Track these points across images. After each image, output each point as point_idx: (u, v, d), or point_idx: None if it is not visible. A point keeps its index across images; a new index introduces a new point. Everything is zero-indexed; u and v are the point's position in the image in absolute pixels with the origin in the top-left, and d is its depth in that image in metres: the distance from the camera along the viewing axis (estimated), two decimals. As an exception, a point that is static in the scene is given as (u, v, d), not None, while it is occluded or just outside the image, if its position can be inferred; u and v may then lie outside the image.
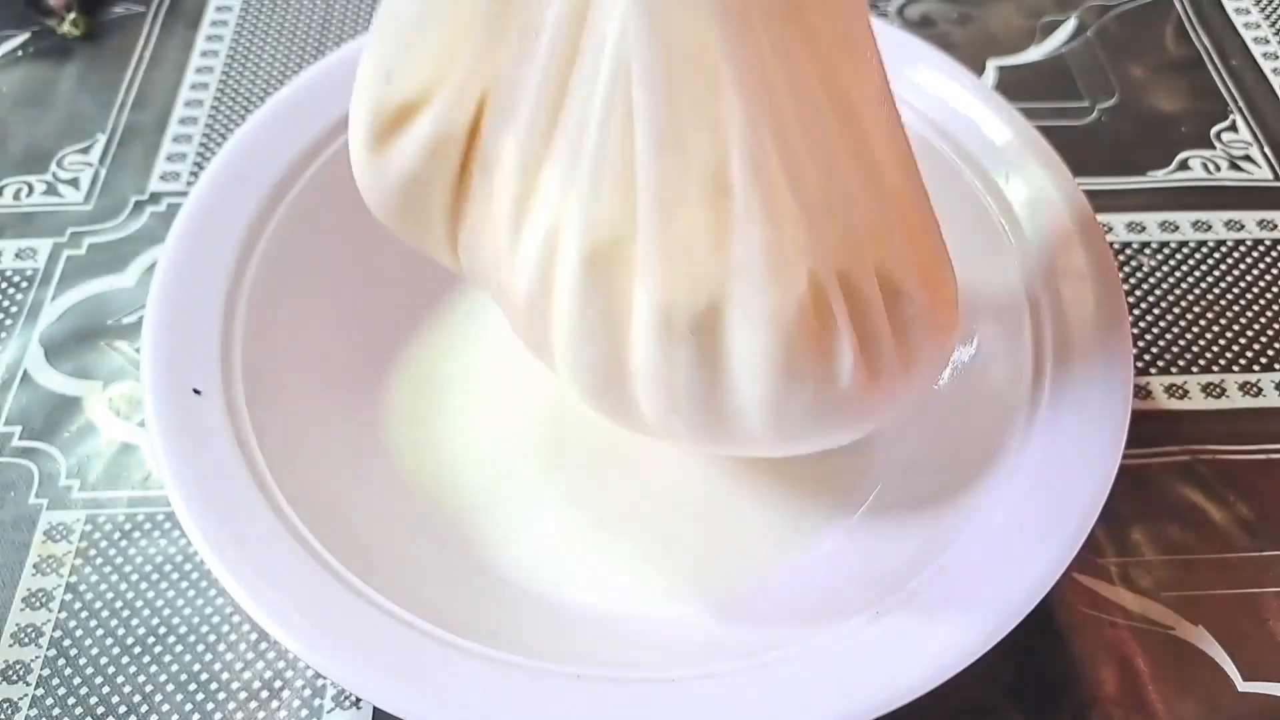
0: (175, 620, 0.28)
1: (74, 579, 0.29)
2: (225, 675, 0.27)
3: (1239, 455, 0.31)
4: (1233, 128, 0.40)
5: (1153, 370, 0.33)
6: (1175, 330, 0.34)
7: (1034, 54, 0.43)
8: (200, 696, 0.27)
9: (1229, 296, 0.35)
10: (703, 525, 0.28)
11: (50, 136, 0.39)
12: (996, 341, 0.28)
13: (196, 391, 0.25)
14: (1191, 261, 0.36)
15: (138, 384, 0.32)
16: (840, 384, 0.21)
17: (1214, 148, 0.39)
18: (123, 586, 0.28)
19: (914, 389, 0.23)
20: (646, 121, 0.19)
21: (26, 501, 0.30)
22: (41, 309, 0.34)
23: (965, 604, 0.22)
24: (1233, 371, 0.33)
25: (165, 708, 0.27)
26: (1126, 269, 0.36)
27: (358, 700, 0.27)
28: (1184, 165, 0.39)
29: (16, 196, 0.37)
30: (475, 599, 0.26)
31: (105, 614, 0.28)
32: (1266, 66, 0.42)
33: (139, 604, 0.28)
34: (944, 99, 0.31)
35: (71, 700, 0.27)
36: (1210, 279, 0.35)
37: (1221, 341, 0.34)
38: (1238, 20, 0.44)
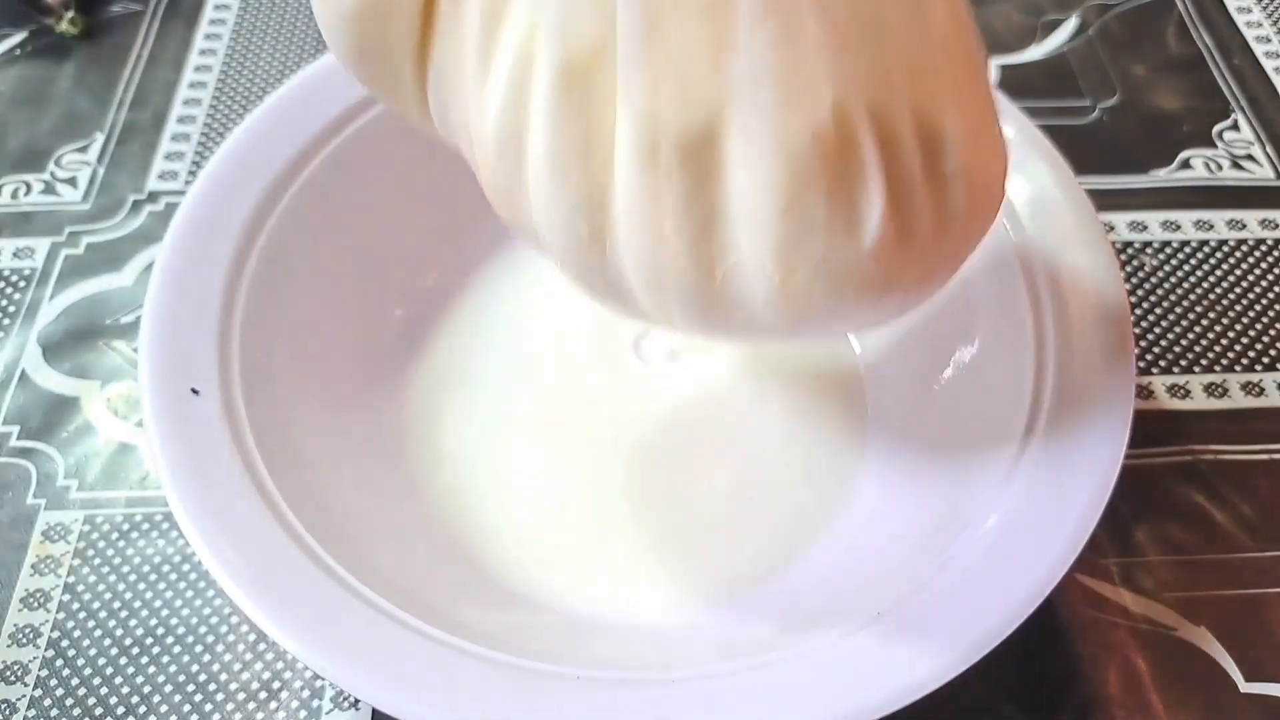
0: (173, 621, 0.28)
1: (72, 579, 0.29)
2: (223, 676, 0.27)
3: (1241, 455, 0.31)
4: (1235, 126, 0.40)
5: (1155, 370, 0.33)
6: (1177, 330, 0.34)
7: (1035, 52, 0.43)
8: (198, 697, 0.27)
9: (1231, 296, 0.35)
10: (703, 527, 0.28)
11: (48, 135, 0.39)
12: (998, 340, 0.28)
13: (194, 391, 0.25)
14: (1194, 261, 0.36)
15: (135, 384, 0.32)
16: (863, 240, 0.18)
17: (1216, 147, 0.39)
18: (120, 587, 0.28)
19: (948, 264, 0.20)
20: None
21: (24, 501, 0.30)
22: (39, 308, 0.34)
23: (967, 605, 0.22)
24: (1235, 371, 0.33)
25: (163, 709, 0.26)
26: (1128, 268, 0.36)
27: (356, 701, 0.27)
28: (1186, 164, 0.39)
29: (14, 195, 0.37)
30: (473, 600, 0.26)
31: (103, 614, 0.28)
32: (1268, 65, 0.42)
33: (137, 604, 0.28)
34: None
35: (69, 701, 0.27)
36: (1212, 278, 0.35)
37: (1224, 341, 0.34)
38: (1239, 19, 0.44)
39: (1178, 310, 0.34)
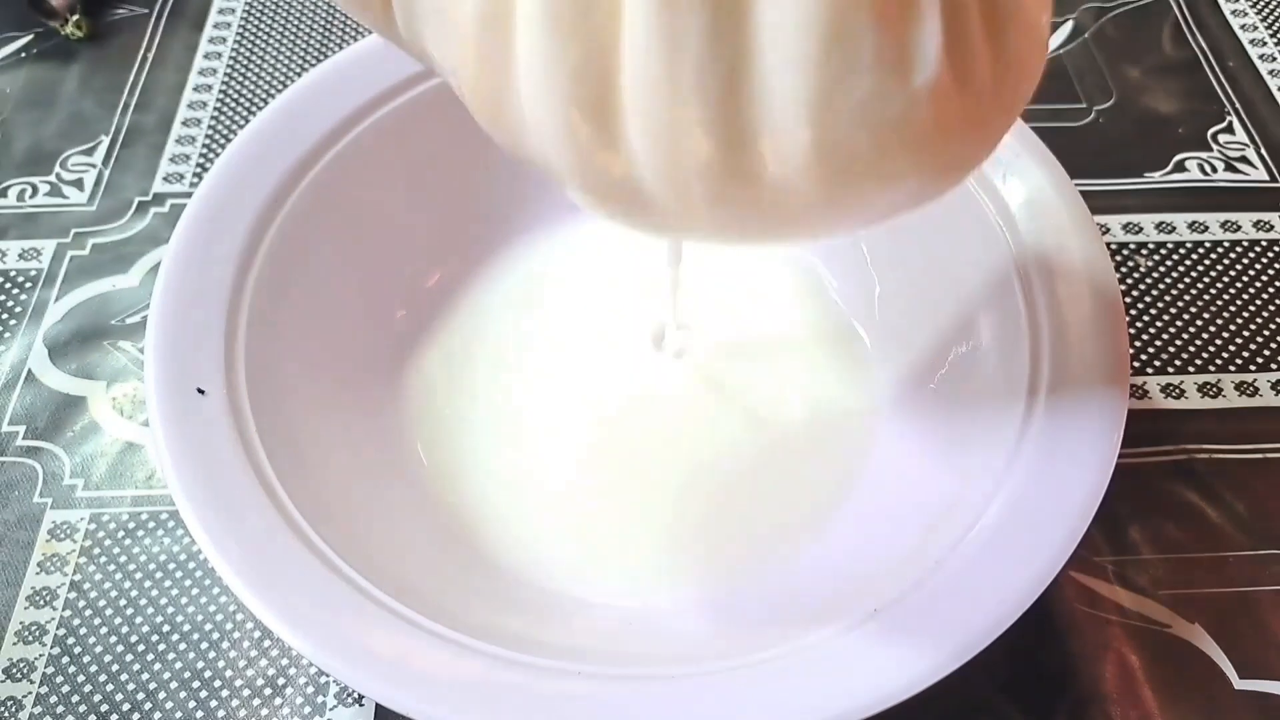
0: (179, 618, 0.28)
1: (78, 577, 0.29)
2: (229, 673, 0.27)
3: (1235, 454, 0.32)
4: (1229, 129, 0.40)
5: (1149, 370, 0.33)
6: (1171, 330, 0.34)
7: (1032, 56, 0.43)
8: (204, 694, 0.27)
9: (1225, 297, 0.35)
10: (702, 524, 0.29)
11: (54, 137, 0.39)
12: (993, 341, 0.28)
13: (200, 391, 0.25)
14: (1188, 262, 0.36)
15: (141, 384, 0.32)
16: (915, 79, 0.15)
17: (1210, 149, 0.39)
18: (126, 585, 0.29)
19: (1003, 119, 0.18)
20: None
21: (31, 500, 0.30)
22: (45, 309, 0.34)
23: (962, 602, 0.22)
24: (1229, 371, 0.33)
25: (169, 705, 0.27)
26: (1123, 270, 0.36)
27: (360, 697, 0.27)
28: (1180, 167, 0.39)
29: (20, 197, 0.37)
30: (476, 597, 0.26)
31: (109, 612, 0.28)
32: (1263, 68, 0.42)
33: (143, 602, 0.28)
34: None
35: (75, 698, 0.27)
36: (1206, 280, 0.36)
37: (1218, 341, 0.34)
38: (1234, 22, 0.44)
39: (1172, 311, 0.35)
